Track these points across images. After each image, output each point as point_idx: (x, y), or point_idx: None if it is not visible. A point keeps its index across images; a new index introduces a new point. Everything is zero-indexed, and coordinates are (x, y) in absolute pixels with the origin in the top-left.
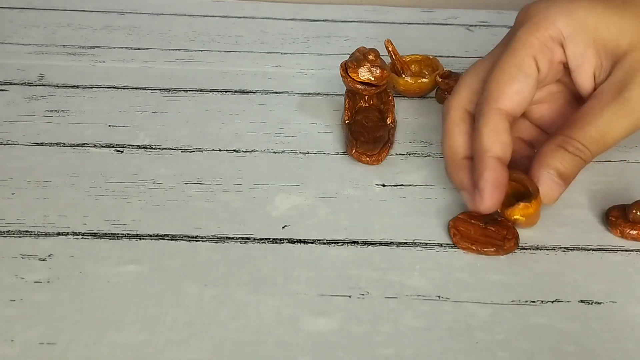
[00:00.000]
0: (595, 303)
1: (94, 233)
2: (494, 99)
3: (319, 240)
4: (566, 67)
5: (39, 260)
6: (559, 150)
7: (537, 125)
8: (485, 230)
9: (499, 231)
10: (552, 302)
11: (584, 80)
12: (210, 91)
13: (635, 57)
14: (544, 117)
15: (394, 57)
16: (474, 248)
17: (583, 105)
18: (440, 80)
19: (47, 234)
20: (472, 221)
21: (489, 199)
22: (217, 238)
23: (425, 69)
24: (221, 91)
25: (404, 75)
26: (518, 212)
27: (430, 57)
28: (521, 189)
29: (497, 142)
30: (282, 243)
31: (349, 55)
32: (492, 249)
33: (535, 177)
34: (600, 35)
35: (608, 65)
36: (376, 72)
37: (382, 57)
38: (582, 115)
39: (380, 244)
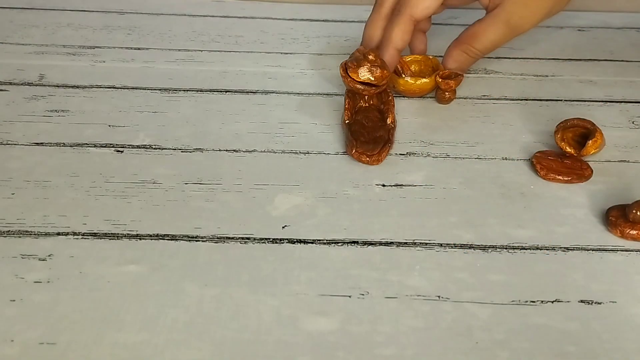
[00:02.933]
0: (595, 303)
1: (94, 233)
2: (411, 7)
3: (319, 240)
4: None
5: (39, 260)
6: (462, 54)
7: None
8: (563, 164)
9: (574, 163)
10: (552, 302)
11: None
12: (210, 91)
13: None
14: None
15: None
16: (560, 178)
17: (483, 21)
18: (440, 80)
19: (47, 234)
20: (550, 157)
21: (389, 63)
22: (217, 238)
23: (425, 69)
24: (221, 91)
25: (404, 75)
26: (591, 149)
27: (430, 57)
28: (582, 131)
29: (401, 40)
30: (282, 243)
31: (349, 55)
32: (576, 177)
33: (446, 59)
34: None
35: None
36: (376, 72)
37: (381, 57)
38: (483, 30)
39: (380, 244)
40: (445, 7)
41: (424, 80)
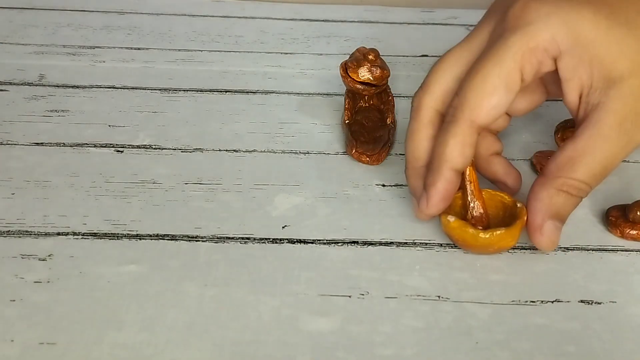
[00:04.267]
0: (595, 303)
1: (94, 233)
2: (469, 110)
3: (319, 240)
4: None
5: (39, 260)
6: (560, 195)
7: (507, 113)
8: None
9: None
10: (552, 302)
11: (569, 94)
12: (210, 91)
13: (633, 84)
14: (518, 110)
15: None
16: None
17: (579, 137)
18: None
19: (47, 234)
20: (550, 157)
21: (434, 209)
22: (217, 238)
23: (491, 208)
24: (221, 91)
25: (478, 227)
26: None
27: (493, 192)
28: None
29: (460, 155)
30: (282, 243)
31: (349, 55)
32: None
33: (535, 225)
34: (598, 55)
35: (598, 86)
36: (376, 72)
37: (381, 57)
38: (583, 150)
39: (380, 244)
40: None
41: (499, 232)
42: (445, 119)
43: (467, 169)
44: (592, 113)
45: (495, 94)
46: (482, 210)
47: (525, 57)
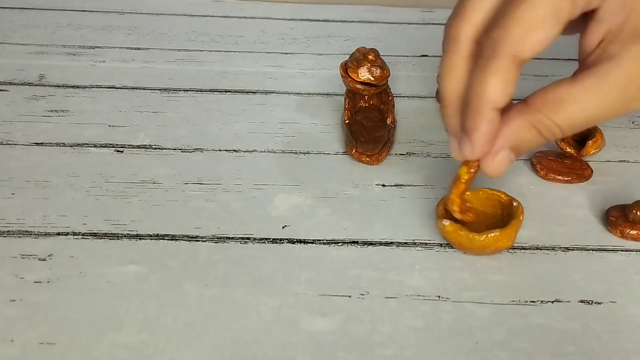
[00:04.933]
0: (595, 303)
1: (94, 233)
2: (512, 43)
3: (319, 240)
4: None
5: (39, 260)
6: (531, 130)
7: None
8: (563, 164)
9: (574, 163)
10: (552, 302)
11: (592, 35)
12: (210, 91)
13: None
14: None
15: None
16: (560, 178)
17: (578, 82)
18: None
19: (47, 234)
20: (550, 157)
21: (479, 152)
22: (217, 238)
23: (481, 205)
24: (221, 91)
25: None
26: (591, 149)
27: (490, 191)
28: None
29: (503, 94)
30: (282, 243)
31: (349, 55)
32: (576, 177)
33: (493, 149)
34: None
35: (624, 38)
36: (376, 72)
37: (381, 57)
38: (576, 96)
39: (380, 244)
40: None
41: (494, 234)
42: (482, 52)
43: (469, 166)
44: (603, 63)
45: (543, 27)
46: (460, 210)
47: None
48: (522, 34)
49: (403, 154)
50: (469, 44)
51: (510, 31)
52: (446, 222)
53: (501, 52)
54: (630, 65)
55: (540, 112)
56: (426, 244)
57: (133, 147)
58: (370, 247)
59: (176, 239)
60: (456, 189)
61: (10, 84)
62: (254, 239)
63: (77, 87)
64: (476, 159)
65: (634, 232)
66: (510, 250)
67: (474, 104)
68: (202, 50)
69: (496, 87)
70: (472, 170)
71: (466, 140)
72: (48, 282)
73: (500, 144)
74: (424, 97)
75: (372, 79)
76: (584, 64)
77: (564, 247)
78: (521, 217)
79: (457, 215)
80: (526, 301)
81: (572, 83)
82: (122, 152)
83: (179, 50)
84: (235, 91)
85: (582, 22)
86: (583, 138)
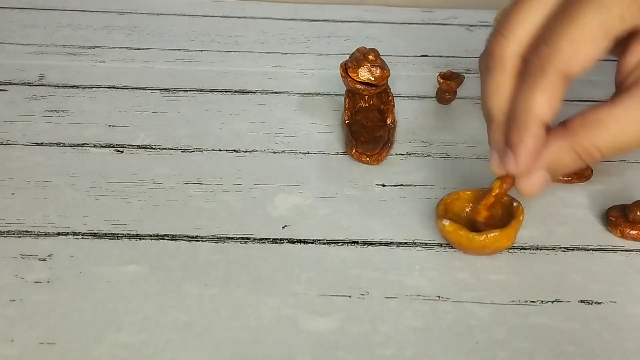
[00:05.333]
0: (595, 303)
1: (94, 233)
2: (561, 60)
3: (319, 240)
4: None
5: (39, 260)
6: (570, 154)
7: None
8: None
9: None
10: (552, 302)
11: (634, 54)
12: (210, 91)
13: None
14: None
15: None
16: (560, 178)
17: (617, 104)
18: (441, 80)
19: (47, 234)
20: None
21: (523, 167)
22: (217, 238)
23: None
24: (221, 91)
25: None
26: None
27: (481, 190)
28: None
29: (549, 109)
30: (282, 243)
31: (349, 55)
32: (576, 177)
33: (530, 169)
34: None
35: None
36: (376, 72)
37: (381, 57)
38: (616, 118)
39: (380, 244)
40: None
41: (494, 234)
42: (530, 69)
43: (502, 181)
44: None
45: (592, 43)
46: (481, 218)
47: (632, 4)
48: (572, 50)
49: (403, 154)
50: (515, 61)
51: (560, 47)
52: (446, 222)
53: (550, 68)
54: None
55: (579, 135)
56: (426, 244)
57: (133, 147)
58: (370, 247)
59: (176, 239)
60: (485, 201)
61: (10, 84)
62: (254, 239)
63: (77, 87)
64: (518, 174)
65: (634, 232)
66: (510, 250)
67: (521, 119)
68: (202, 50)
69: (544, 103)
70: (505, 185)
71: (510, 154)
72: (48, 282)
73: (538, 164)
74: (424, 97)
75: (372, 79)
76: (623, 85)
77: (564, 247)
78: (521, 218)
79: (479, 225)
80: (526, 301)
81: (611, 105)
82: (122, 152)
83: (179, 50)
84: (235, 91)
85: (623, 43)
86: None
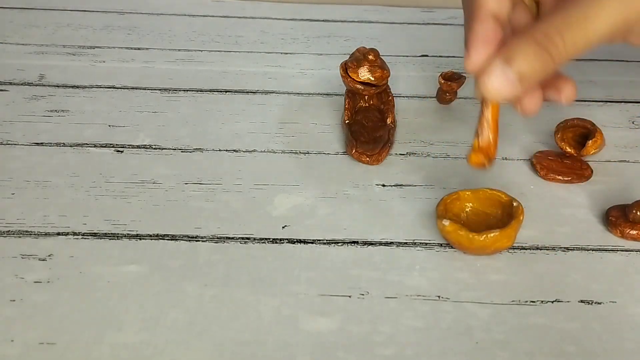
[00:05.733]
0: (595, 303)
1: (94, 233)
2: None
3: (319, 240)
4: None
5: (39, 260)
6: (540, 53)
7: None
8: (563, 164)
9: (574, 163)
10: (552, 302)
11: None
12: (210, 91)
13: None
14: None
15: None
16: (560, 178)
17: (577, 1)
18: (442, 81)
19: (47, 234)
20: (550, 157)
21: (474, 55)
22: (217, 238)
23: (481, 207)
24: (221, 91)
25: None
26: (591, 149)
27: (490, 191)
28: (582, 131)
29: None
30: (282, 243)
31: (349, 55)
32: (576, 177)
33: (489, 64)
34: None
35: None
36: (376, 72)
37: (381, 57)
38: (579, 12)
39: (380, 244)
40: None
41: (494, 234)
42: None
43: (490, 102)
44: None
45: None
46: (489, 141)
47: None
48: None
49: (403, 154)
50: None
51: None
52: (446, 222)
53: None
54: None
55: (539, 23)
56: (426, 244)
57: (133, 147)
58: (370, 247)
59: (176, 239)
60: (492, 122)
61: (10, 84)
62: (254, 239)
63: (77, 87)
64: (474, 63)
65: (634, 232)
66: (510, 250)
67: (470, 14)
68: (202, 50)
69: None
70: (485, 105)
71: (465, 50)
72: (48, 282)
73: (497, 58)
74: (424, 97)
75: (372, 79)
76: None
77: (564, 247)
78: (521, 218)
79: (482, 143)
80: (526, 301)
81: (576, 3)
82: (122, 152)
83: (179, 50)
84: (235, 91)
85: None
86: (583, 138)
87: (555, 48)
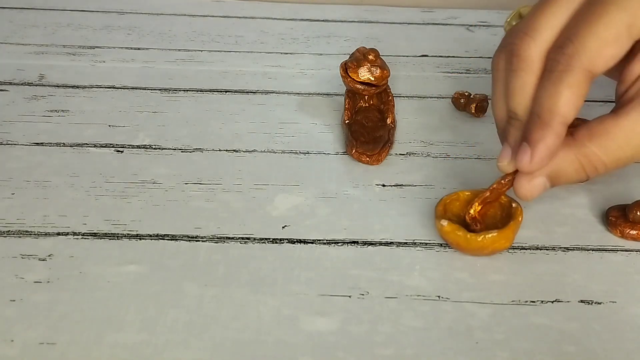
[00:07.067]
0: (595, 303)
1: (94, 233)
2: (588, 57)
3: (319, 240)
4: None
5: (39, 260)
6: (574, 163)
7: None
8: None
9: None
10: (552, 302)
11: (638, 64)
12: (210, 91)
13: None
14: None
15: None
16: None
17: (622, 115)
18: (473, 112)
19: (47, 234)
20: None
21: (538, 165)
22: (217, 238)
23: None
24: (221, 91)
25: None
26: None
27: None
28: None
29: (574, 108)
30: (282, 243)
31: (349, 55)
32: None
33: (532, 174)
34: None
35: None
36: (376, 72)
37: (381, 57)
38: (622, 129)
39: (380, 244)
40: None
41: (491, 235)
42: (554, 67)
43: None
44: None
45: (617, 42)
46: (476, 215)
47: None
48: (597, 48)
49: (403, 154)
50: (541, 61)
51: (586, 45)
52: (444, 223)
53: (575, 64)
54: None
55: (585, 145)
56: (426, 244)
57: (133, 147)
58: (370, 247)
59: (176, 239)
60: (481, 194)
61: (10, 84)
62: (254, 239)
63: (77, 87)
64: (529, 170)
65: (634, 232)
66: (510, 251)
67: (544, 116)
68: (202, 50)
69: (569, 100)
70: (503, 181)
71: (527, 150)
72: (48, 282)
73: (541, 171)
74: (424, 97)
75: (372, 79)
76: (627, 95)
77: (564, 247)
78: (520, 219)
79: (467, 218)
80: (526, 301)
81: (616, 117)
82: (122, 152)
83: (179, 50)
84: (235, 91)
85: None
86: None
87: (595, 171)
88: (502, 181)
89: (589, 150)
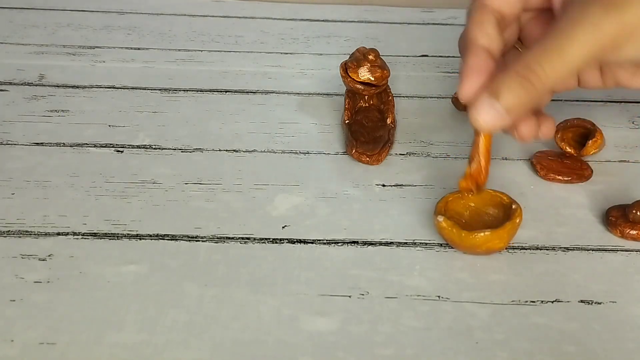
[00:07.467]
0: (595, 303)
1: (94, 233)
2: None
3: (319, 240)
4: None
5: (39, 260)
6: (521, 85)
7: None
8: (563, 164)
9: (574, 163)
10: (552, 302)
11: None
12: (210, 91)
13: None
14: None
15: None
16: (560, 178)
17: (553, 30)
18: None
19: (47, 234)
20: (550, 157)
21: (466, 85)
22: (217, 238)
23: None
24: (221, 91)
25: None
26: (591, 149)
27: (493, 192)
28: (582, 131)
29: (480, 32)
30: (282, 243)
31: (349, 55)
32: (576, 177)
33: (477, 97)
34: None
35: None
36: (376, 72)
37: (381, 57)
38: (554, 41)
39: (380, 244)
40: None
41: (485, 234)
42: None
43: (484, 135)
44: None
45: None
46: (480, 169)
47: None
48: None
49: (403, 154)
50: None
51: None
52: (440, 218)
53: (474, 4)
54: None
55: (520, 59)
56: (426, 244)
57: (133, 147)
58: (370, 247)
59: (176, 239)
60: (483, 151)
61: (10, 84)
62: (254, 239)
63: (77, 87)
64: (467, 93)
65: (634, 232)
66: (510, 250)
67: (464, 50)
68: (202, 50)
69: (473, 28)
70: (477, 137)
71: (459, 81)
72: (48, 282)
73: (483, 92)
74: (424, 97)
75: (372, 79)
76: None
77: (564, 247)
78: (517, 220)
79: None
80: (526, 301)
81: (552, 33)
82: (122, 152)
83: (179, 50)
84: (235, 91)
85: None
86: (583, 138)
87: (537, 77)
88: (477, 137)
89: (525, 59)
